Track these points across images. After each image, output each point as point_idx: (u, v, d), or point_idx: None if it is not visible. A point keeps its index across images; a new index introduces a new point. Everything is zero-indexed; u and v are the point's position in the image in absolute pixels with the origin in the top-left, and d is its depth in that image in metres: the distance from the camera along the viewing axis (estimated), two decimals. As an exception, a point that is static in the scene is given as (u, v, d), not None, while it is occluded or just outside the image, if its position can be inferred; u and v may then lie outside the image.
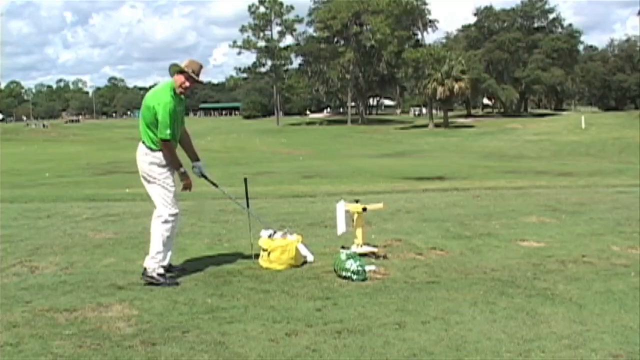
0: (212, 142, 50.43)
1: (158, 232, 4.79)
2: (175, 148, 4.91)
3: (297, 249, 5.14)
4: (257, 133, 64.25)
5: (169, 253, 4.88)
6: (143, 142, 4.82)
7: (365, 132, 62.34)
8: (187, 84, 4.81)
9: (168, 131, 4.68)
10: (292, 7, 77.87)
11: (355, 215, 5.43)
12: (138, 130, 4.89)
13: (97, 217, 7.85)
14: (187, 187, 4.92)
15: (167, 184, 4.78)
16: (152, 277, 4.67)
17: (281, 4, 77.50)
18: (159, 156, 4.77)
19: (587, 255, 5.42)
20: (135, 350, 3.32)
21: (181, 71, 4.80)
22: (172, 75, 4.85)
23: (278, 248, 5.07)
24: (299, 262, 5.13)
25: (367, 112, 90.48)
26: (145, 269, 4.74)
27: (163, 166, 4.78)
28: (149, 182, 4.83)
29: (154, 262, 4.74)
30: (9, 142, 57.36)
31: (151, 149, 4.78)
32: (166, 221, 4.77)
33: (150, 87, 5.28)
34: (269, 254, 5.08)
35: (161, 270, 4.73)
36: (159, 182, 4.78)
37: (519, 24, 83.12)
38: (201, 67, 4.90)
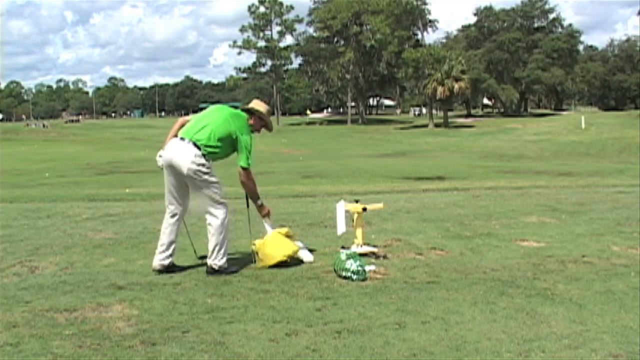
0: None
1: (220, 229, 4.87)
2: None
3: (282, 238, 5.11)
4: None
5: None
6: (198, 146, 4.79)
7: (365, 132, 62.32)
8: (258, 129, 5.14)
9: (250, 161, 4.86)
10: (292, 7, 78.00)
11: (355, 215, 5.42)
12: (194, 130, 4.86)
13: (97, 217, 7.85)
14: (267, 215, 5.15)
15: (217, 180, 4.86)
16: (219, 272, 4.84)
17: (281, 4, 77.54)
18: (207, 162, 4.81)
19: (587, 255, 5.41)
20: (135, 350, 3.32)
21: (260, 117, 5.08)
22: (248, 111, 5.05)
23: (264, 245, 5.10)
24: (291, 252, 5.08)
25: (367, 112, 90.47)
26: (213, 268, 4.87)
27: (209, 168, 4.83)
28: (198, 183, 4.81)
29: (224, 260, 4.89)
30: (9, 142, 57.34)
31: (204, 155, 4.79)
32: (226, 215, 4.88)
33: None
34: (257, 253, 5.14)
35: (226, 264, 4.91)
36: (211, 181, 4.82)
37: (519, 24, 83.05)
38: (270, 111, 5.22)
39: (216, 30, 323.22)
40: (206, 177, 4.81)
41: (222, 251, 4.88)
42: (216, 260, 4.87)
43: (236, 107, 5.17)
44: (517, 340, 3.40)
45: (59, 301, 4.19)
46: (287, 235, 5.21)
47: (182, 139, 4.85)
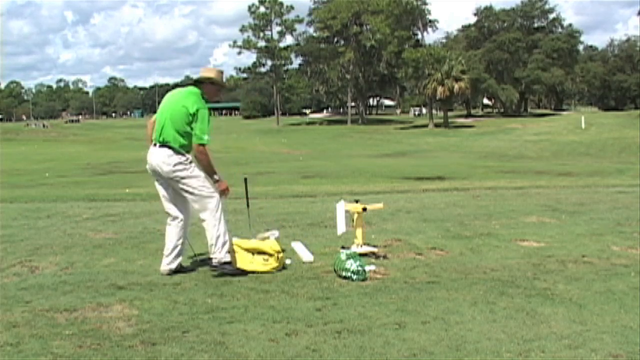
0: (211, 142, 50.23)
1: (213, 222, 4.80)
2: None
3: (239, 251, 4.99)
4: (257, 133, 64.24)
5: (228, 240, 4.90)
6: (168, 145, 4.79)
7: (365, 132, 62.31)
8: (217, 95, 5.03)
9: (207, 137, 4.78)
10: (292, 7, 77.96)
11: (355, 215, 5.43)
12: (158, 132, 4.84)
13: (97, 217, 7.85)
14: (225, 192, 4.96)
15: (199, 174, 4.82)
16: (222, 268, 4.79)
17: (281, 4, 77.51)
18: (183, 157, 4.80)
19: (587, 255, 5.42)
20: (135, 350, 3.32)
21: (212, 82, 4.93)
22: (199, 83, 4.93)
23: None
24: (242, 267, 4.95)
25: (367, 112, 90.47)
26: (212, 259, 4.84)
27: (189, 163, 4.82)
28: (180, 182, 4.80)
29: (224, 253, 4.81)
30: (9, 142, 57.33)
31: (176, 152, 4.78)
32: (217, 207, 4.80)
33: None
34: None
35: (228, 258, 4.83)
36: (192, 176, 4.79)
37: (519, 24, 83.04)
38: (222, 72, 5.07)
39: (216, 30, 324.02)
40: (186, 172, 4.80)
41: (220, 241, 4.82)
42: (216, 254, 4.83)
43: (186, 85, 5.09)
44: (517, 340, 3.40)
45: (59, 301, 4.19)
46: (258, 251, 4.96)
47: (154, 144, 4.90)
